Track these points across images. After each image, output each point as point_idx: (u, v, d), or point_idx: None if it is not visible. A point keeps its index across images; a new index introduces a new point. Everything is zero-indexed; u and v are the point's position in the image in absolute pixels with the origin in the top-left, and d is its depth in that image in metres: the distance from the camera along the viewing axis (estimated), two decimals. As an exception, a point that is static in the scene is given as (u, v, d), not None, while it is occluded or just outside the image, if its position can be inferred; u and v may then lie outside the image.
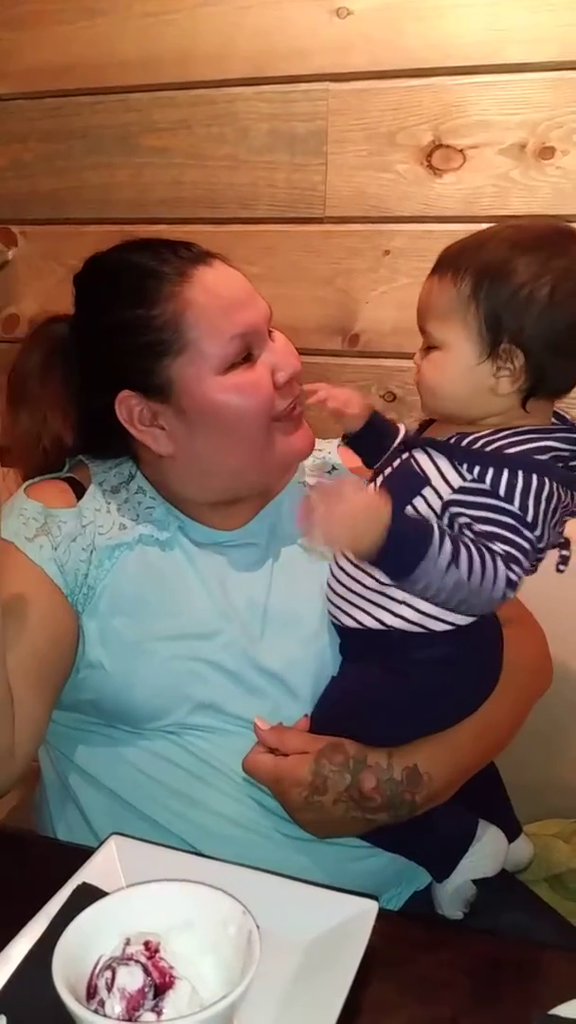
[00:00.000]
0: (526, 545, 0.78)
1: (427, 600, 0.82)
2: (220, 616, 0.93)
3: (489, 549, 0.78)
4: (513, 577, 0.78)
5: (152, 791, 0.90)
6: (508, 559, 0.78)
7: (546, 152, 1.22)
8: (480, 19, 1.20)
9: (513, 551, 0.78)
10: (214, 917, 0.61)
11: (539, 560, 0.85)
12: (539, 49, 1.19)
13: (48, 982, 0.55)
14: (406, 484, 0.85)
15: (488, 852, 0.89)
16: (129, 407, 0.94)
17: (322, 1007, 0.60)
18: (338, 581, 0.91)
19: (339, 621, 0.91)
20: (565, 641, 1.11)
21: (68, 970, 0.56)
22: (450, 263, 0.84)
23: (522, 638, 1.00)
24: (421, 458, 0.85)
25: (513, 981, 0.67)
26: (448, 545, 0.76)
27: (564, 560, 0.87)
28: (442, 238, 1.28)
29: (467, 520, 0.80)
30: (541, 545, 0.80)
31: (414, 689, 0.87)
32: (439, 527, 0.78)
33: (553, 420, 0.86)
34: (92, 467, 1.00)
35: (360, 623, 0.88)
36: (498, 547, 0.78)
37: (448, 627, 0.85)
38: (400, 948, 0.69)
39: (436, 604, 0.82)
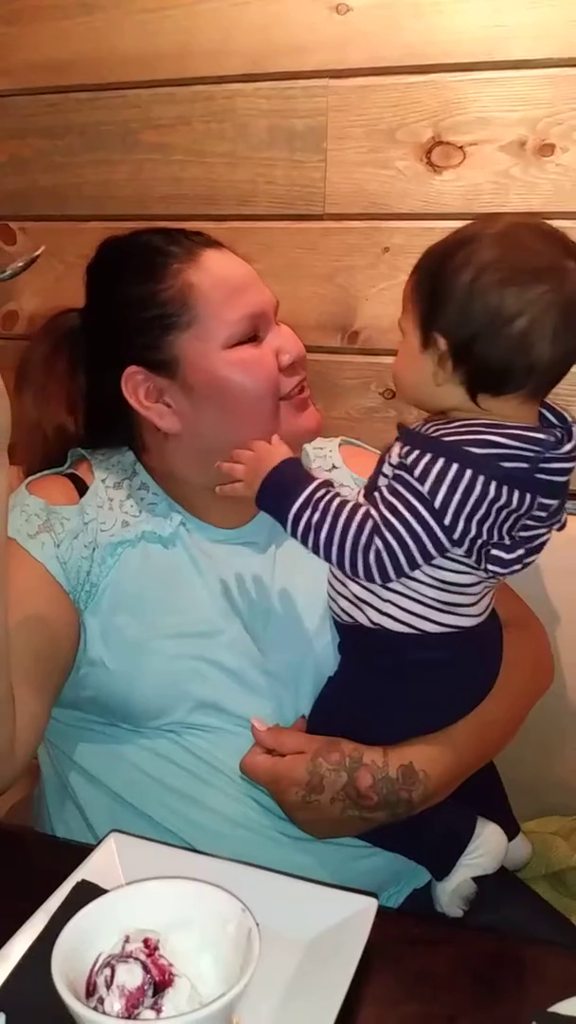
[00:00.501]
0: (416, 526, 0.78)
1: (315, 552, 0.83)
2: (221, 615, 0.93)
3: (369, 514, 0.80)
4: (378, 544, 0.78)
5: (152, 790, 0.90)
6: (385, 526, 0.78)
7: (546, 149, 1.22)
8: (480, 15, 1.20)
9: (396, 523, 0.78)
10: (213, 915, 0.61)
11: (492, 560, 0.80)
12: (539, 46, 1.19)
13: (47, 980, 0.55)
14: (376, 472, 0.87)
15: (487, 849, 0.89)
16: (135, 383, 0.94)
17: (321, 1004, 0.60)
18: (334, 575, 0.91)
19: (337, 616, 0.91)
20: (564, 639, 1.11)
21: (67, 968, 0.56)
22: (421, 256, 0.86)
23: (522, 638, 1.00)
24: (394, 447, 0.86)
25: (512, 978, 0.67)
26: (319, 493, 0.82)
27: (496, 561, 0.81)
28: (442, 235, 1.28)
29: (383, 490, 0.82)
30: (454, 537, 0.78)
31: (410, 688, 0.87)
32: (324, 482, 0.84)
33: (549, 417, 0.84)
34: (94, 462, 1.00)
35: (353, 618, 0.88)
36: (378, 512, 0.79)
37: (442, 629, 0.84)
38: (399, 945, 0.69)
39: (322, 559, 0.83)
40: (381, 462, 0.87)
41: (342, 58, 1.27)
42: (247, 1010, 0.58)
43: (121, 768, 0.92)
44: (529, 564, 0.83)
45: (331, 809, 0.83)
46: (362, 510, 0.81)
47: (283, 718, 0.91)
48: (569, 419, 0.84)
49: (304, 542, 0.83)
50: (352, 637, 0.91)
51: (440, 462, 0.77)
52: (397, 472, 0.82)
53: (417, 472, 0.78)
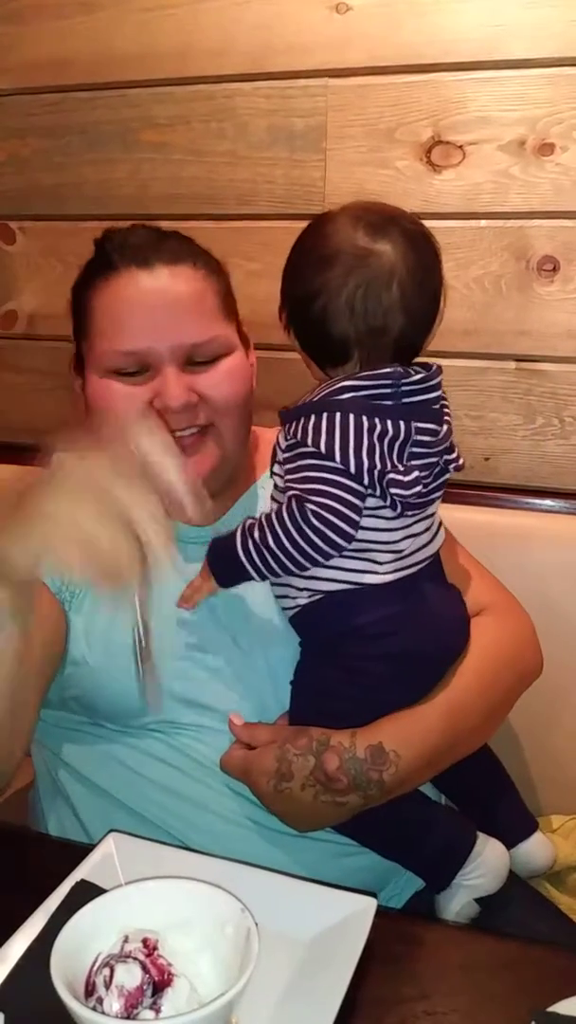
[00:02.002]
0: (327, 476, 0.83)
1: (287, 570, 0.85)
2: (201, 613, 0.93)
3: (290, 496, 0.84)
4: (314, 508, 0.82)
5: (142, 787, 0.91)
6: (307, 492, 0.83)
7: (546, 148, 1.22)
8: (479, 14, 1.20)
9: (312, 484, 0.83)
10: (213, 915, 0.61)
11: (403, 494, 0.84)
12: (539, 45, 1.19)
13: (46, 980, 0.54)
14: (272, 472, 0.93)
15: (487, 869, 0.89)
16: (73, 371, 0.99)
17: (320, 1004, 0.60)
18: None
19: (284, 608, 0.92)
20: (562, 639, 1.11)
21: (66, 967, 0.56)
22: None
23: (502, 624, 1.00)
24: (279, 437, 0.91)
25: (512, 978, 0.67)
26: (247, 523, 0.86)
27: (396, 484, 0.84)
28: (441, 234, 1.28)
29: (286, 479, 0.87)
30: (352, 472, 0.82)
31: (356, 665, 0.88)
32: (248, 518, 0.87)
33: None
34: None
35: (291, 599, 0.90)
36: (295, 490, 0.84)
37: (367, 576, 0.86)
38: (398, 945, 0.69)
39: (295, 569, 0.85)
40: (274, 458, 0.92)
41: (342, 57, 1.27)
42: (246, 1010, 0.58)
43: (110, 766, 0.92)
44: (433, 494, 0.89)
45: (303, 796, 0.83)
46: (284, 502, 0.85)
47: (267, 714, 0.91)
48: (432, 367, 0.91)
49: (266, 567, 0.85)
50: (301, 627, 0.92)
51: (313, 418, 0.85)
52: (287, 455, 0.88)
53: (300, 436, 0.85)
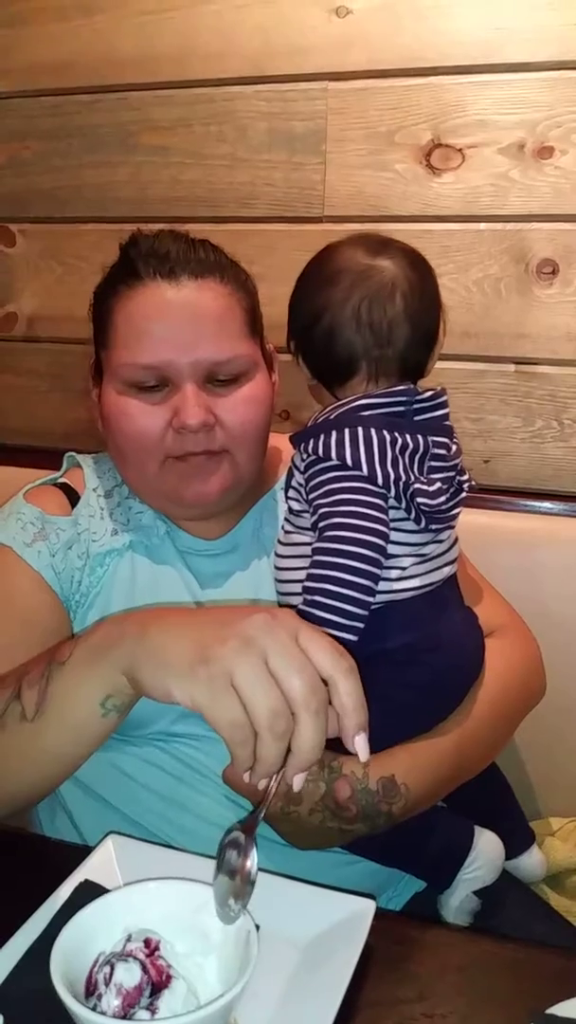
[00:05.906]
0: (351, 484, 0.83)
1: (361, 602, 0.81)
2: None
3: (319, 519, 0.83)
4: (347, 524, 0.81)
5: (141, 796, 0.90)
6: (338, 508, 0.82)
7: (545, 152, 1.22)
8: (479, 18, 1.20)
9: (341, 497, 0.83)
10: (213, 916, 0.61)
11: (427, 504, 0.83)
12: (538, 49, 1.19)
13: (46, 980, 0.54)
14: (287, 490, 0.94)
15: (484, 861, 0.89)
16: (89, 383, 0.98)
17: (320, 1006, 0.60)
18: (279, 579, 0.93)
19: None
20: (562, 640, 1.11)
21: (67, 966, 0.56)
22: None
23: (512, 648, 0.99)
24: (295, 458, 0.91)
25: (510, 980, 0.67)
26: (300, 607, 0.81)
27: (422, 494, 0.84)
28: (441, 238, 1.28)
29: (311, 499, 0.86)
30: (379, 483, 0.82)
31: (374, 693, 0.87)
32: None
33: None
34: (86, 469, 1.01)
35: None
36: (324, 509, 0.83)
37: (383, 582, 0.84)
38: (398, 947, 0.69)
39: (364, 596, 0.81)
40: (289, 482, 0.92)
41: (342, 61, 1.27)
42: (246, 1012, 0.58)
43: (110, 775, 0.92)
44: (454, 510, 0.87)
45: (310, 820, 0.81)
46: (318, 532, 0.84)
47: None
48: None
49: (345, 616, 0.80)
50: None
51: (334, 434, 0.84)
52: (307, 474, 0.87)
53: (321, 452, 0.84)
